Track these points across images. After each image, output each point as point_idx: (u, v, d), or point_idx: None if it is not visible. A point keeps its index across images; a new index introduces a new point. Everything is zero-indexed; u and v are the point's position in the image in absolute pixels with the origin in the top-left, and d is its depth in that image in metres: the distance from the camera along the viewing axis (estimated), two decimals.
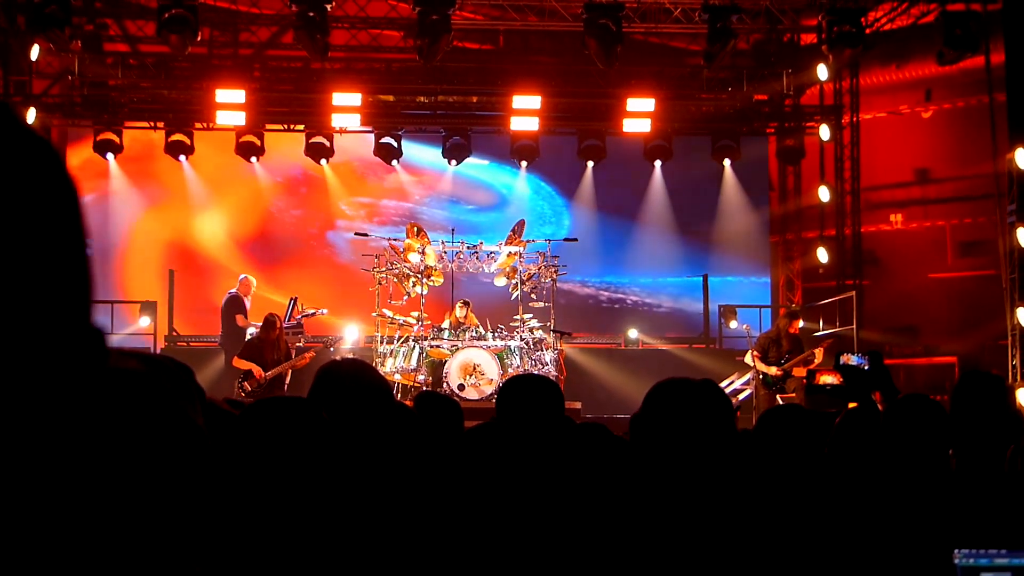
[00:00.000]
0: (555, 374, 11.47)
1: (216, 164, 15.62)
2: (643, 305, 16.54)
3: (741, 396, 12.45)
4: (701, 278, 15.69)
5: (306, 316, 12.32)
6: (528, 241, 12.44)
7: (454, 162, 15.66)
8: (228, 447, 2.12)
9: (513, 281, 12.30)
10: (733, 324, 14.29)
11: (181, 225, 15.88)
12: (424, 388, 11.15)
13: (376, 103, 15.05)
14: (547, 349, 11.78)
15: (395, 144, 15.41)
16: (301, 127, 15.33)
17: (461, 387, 11.03)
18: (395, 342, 11.80)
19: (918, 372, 15.22)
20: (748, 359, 11.47)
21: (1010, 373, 11.54)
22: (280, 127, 15.43)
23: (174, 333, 14.47)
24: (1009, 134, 11.64)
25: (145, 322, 14.16)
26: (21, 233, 0.75)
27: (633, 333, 15.31)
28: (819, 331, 14.08)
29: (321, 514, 2.10)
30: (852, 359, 4.33)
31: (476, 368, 11.17)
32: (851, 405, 3.95)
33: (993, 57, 12.72)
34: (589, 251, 15.39)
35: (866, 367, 4.25)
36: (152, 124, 15.14)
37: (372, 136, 15.41)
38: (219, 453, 2.08)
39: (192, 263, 15.61)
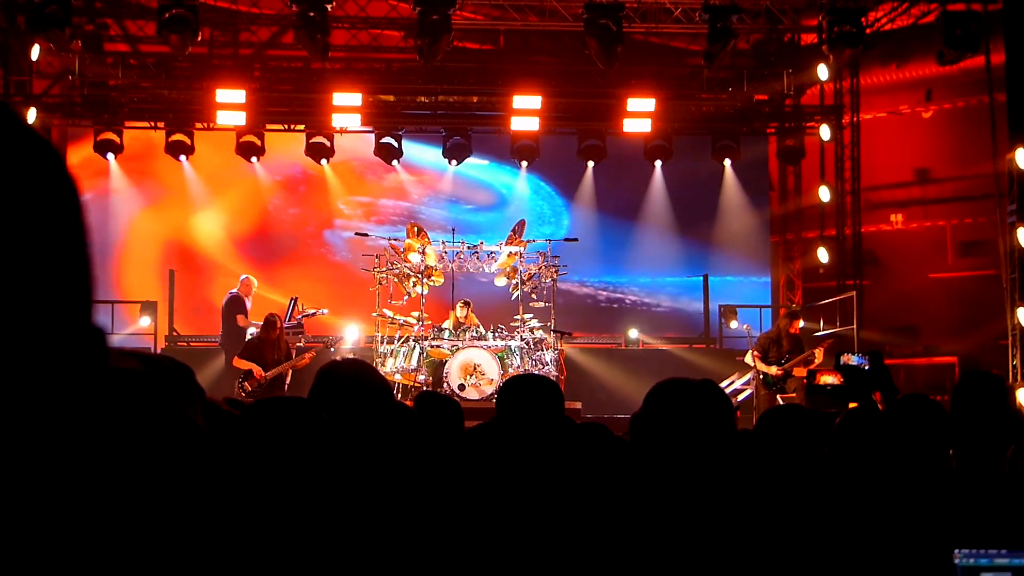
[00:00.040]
0: (555, 374, 11.47)
1: (215, 163, 15.61)
2: (642, 305, 16.53)
3: (741, 396, 12.45)
4: (700, 278, 15.70)
5: (306, 316, 12.32)
6: (528, 241, 12.44)
7: (454, 162, 15.66)
8: (228, 447, 2.12)
9: (513, 281, 12.30)
10: (733, 324, 14.29)
11: (179, 223, 15.88)
12: (424, 388, 11.15)
13: (376, 103, 15.05)
14: (547, 349, 11.78)
15: (395, 144, 15.40)
16: (301, 127, 15.33)
17: (461, 387, 11.03)
18: (395, 342, 11.80)
19: (918, 372, 15.21)
20: (748, 359, 11.46)
21: (1010, 373, 11.54)
22: (280, 127, 15.43)
23: (174, 333, 14.47)
24: (1009, 134, 11.64)
25: (145, 322, 14.16)
26: (22, 233, 0.75)
27: (633, 333, 15.30)
28: (819, 331, 14.07)
29: (321, 514, 2.10)
30: (852, 359, 4.33)
31: (476, 368, 11.17)
32: (851, 405, 3.95)
33: (993, 57, 12.72)
34: (589, 251, 15.38)
35: (866, 367, 4.26)
36: (152, 124, 15.14)
37: (372, 136, 15.41)
38: (219, 453, 2.07)
39: (190, 262, 15.60)
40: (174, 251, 15.73)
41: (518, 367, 11.39)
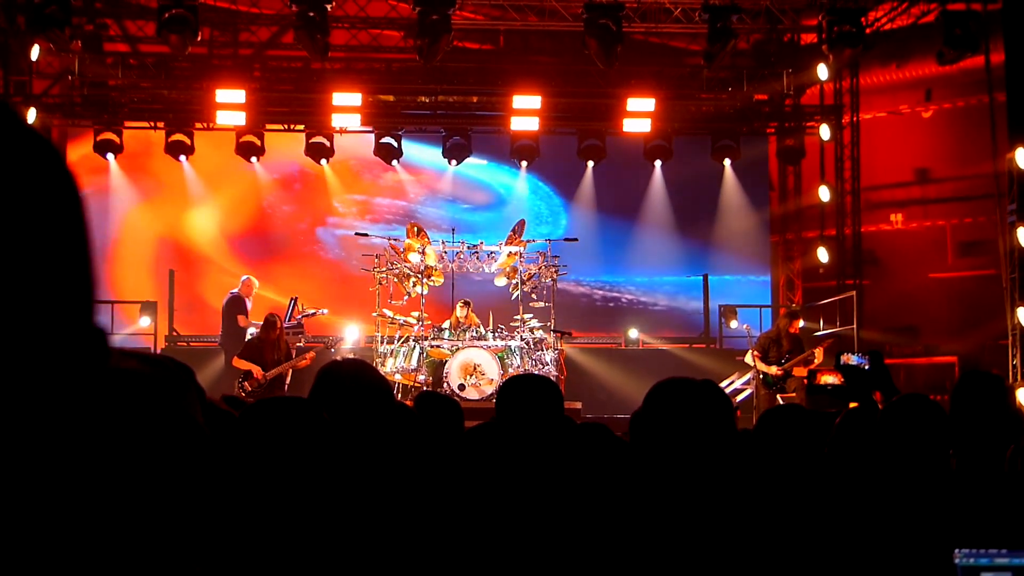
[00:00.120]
0: (555, 374, 11.47)
1: (213, 161, 15.60)
2: (638, 304, 16.53)
3: (741, 396, 12.45)
4: (698, 277, 15.70)
5: (306, 316, 12.32)
6: (528, 241, 12.43)
7: (454, 162, 15.66)
8: (228, 447, 2.12)
9: (513, 281, 12.30)
10: (733, 324, 14.28)
11: (173, 220, 15.87)
12: (424, 388, 11.15)
13: (376, 103, 15.05)
14: (547, 349, 11.78)
15: (395, 144, 15.40)
16: (301, 127, 15.33)
17: (461, 387, 11.04)
18: (395, 342, 11.80)
19: (918, 372, 15.21)
20: (748, 359, 11.46)
21: (1010, 373, 11.54)
22: (280, 127, 15.43)
23: (174, 333, 14.46)
24: (1009, 134, 11.64)
25: (145, 322, 14.15)
26: (23, 233, 0.75)
27: (633, 333, 15.30)
28: (819, 331, 14.07)
29: (322, 514, 2.10)
30: (852, 359, 4.33)
31: (476, 368, 11.17)
32: (852, 405, 3.95)
33: (993, 57, 12.72)
34: (589, 251, 15.38)
35: (866, 367, 4.25)
36: (152, 124, 15.13)
37: (371, 135, 15.40)
38: (220, 453, 2.07)
39: (183, 259, 15.58)
40: (168, 248, 15.71)
41: (518, 367, 11.39)
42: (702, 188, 16.26)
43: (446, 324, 12.00)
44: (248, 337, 11.85)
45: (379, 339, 11.97)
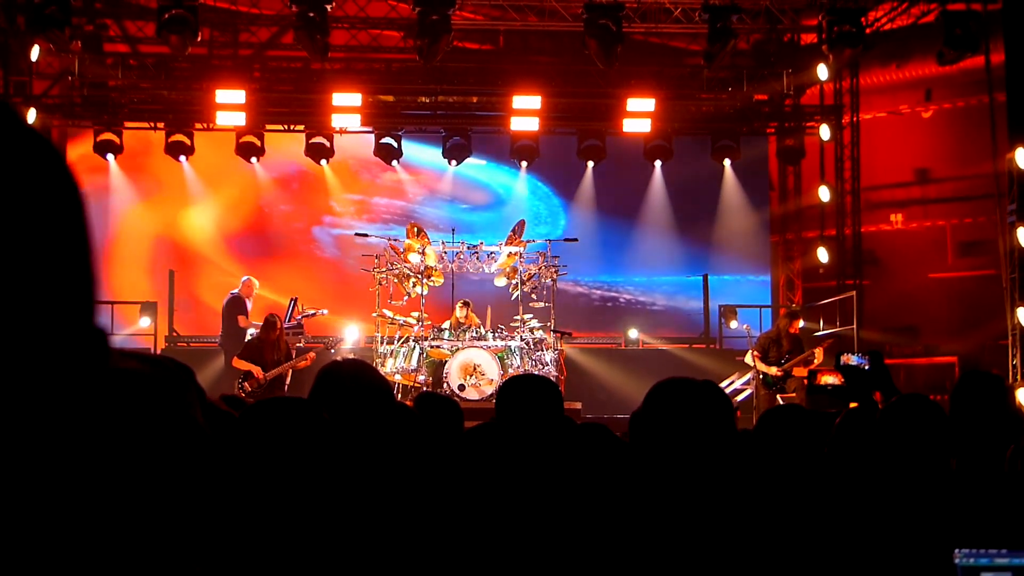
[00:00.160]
0: (555, 374, 11.47)
1: (213, 161, 15.59)
2: (638, 304, 16.53)
3: (741, 396, 12.45)
4: (697, 277, 15.70)
5: (306, 316, 12.32)
6: (528, 241, 12.43)
7: (454, 162, 15.66)
8: (229, 447, 2.12)
9: (513, 281, 12.30)
10: (733, 324, 14.29)
11: (171, 219, 15.87)
12: (424, 388, 11.15)
13: (376, 103, 15.05)
14: (547, 349, 11.78)
15: (395, 144, 15.41)
16: (301, 127, 15.33)
17: (461, 387, 11.03)
18: (395, 342, 11.80)
19: (918, 372, 15.21)
20: (748, 359, 11.46)
21: (1010, 373, 11.54)
22: (280, 127, 15.43)
23: (174, 334, 14.46)
24: (1009, 134, 11.64)
25: (145, 323, 14.15)
26: (24, 233, 0.75)
27: (633, 333, 15.30)
28: (819, 331, 14.07)
29: (322, 515, 2.10)
30: (852, 359, 4.33)
31: (476, 368, 11.17)
32: (852, 405, 3.95)
33: (993, 57, 12.72)
34: (588, 251, 15.37)
35: (866, 367, 4.25)
36: (152, 124, 15.14)
37: (371, 135, 15.40)
38: (220, 454, 2.07)
39: (181, 258, 15.57)
40: (165, 248, 15.71)
41: (518, 367, 11.39)
42: (702, 188, 16.26)
43: (446, 324, 11.99)
44: (248, 338, 11.85)
45: (379, 339, 11.96)
